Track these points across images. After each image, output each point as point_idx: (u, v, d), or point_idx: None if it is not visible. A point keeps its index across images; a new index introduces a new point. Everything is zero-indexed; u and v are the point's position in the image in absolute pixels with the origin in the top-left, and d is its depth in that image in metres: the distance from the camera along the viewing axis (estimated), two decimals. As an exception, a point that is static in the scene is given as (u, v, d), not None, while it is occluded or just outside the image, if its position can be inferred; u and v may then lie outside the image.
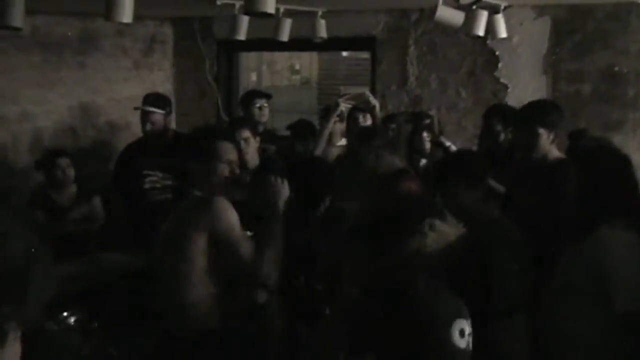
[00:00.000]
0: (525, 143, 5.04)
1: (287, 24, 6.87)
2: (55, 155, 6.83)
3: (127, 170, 6.73)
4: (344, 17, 7.90)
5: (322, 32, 7.13)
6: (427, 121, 6.53)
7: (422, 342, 1.96)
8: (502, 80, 7.64)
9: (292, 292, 4.76)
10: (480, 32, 6.03)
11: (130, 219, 6.78)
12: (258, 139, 6.07)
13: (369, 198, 5.02)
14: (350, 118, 6.85)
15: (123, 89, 8.58)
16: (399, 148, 6.41)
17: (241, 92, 9.25)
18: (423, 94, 8.02)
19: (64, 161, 6.78)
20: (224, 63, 9.33)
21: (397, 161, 5.57)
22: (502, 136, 6.02)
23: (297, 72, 15.60)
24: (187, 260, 4.20)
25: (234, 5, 6.38)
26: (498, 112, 6.23)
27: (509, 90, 7.60)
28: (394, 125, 6.79)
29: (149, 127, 6.59)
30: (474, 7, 5.95)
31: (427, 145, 6.54)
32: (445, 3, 5.90)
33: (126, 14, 4.92)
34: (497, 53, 7.62)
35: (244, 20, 6.49)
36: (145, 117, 6.62)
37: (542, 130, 4.93)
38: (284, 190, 4.38)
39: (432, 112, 6.74)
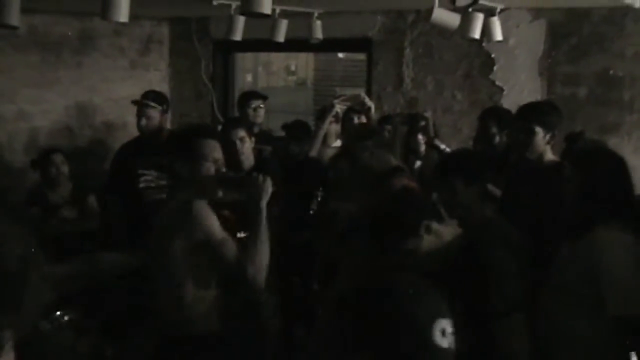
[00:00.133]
0: (521, 140, 5.04)
1: (283, 25, 6.88)
2: (49, 153, 6.85)
3: (123, 170, 6.73)
4: (340, 19, 7.90)
5: (318, 33, 7.14)
6: (423, 123, 6.54)
7: (404, 343, 1.96)
8: (497, 82, 7.65)
9: (289, 292, 4.77)
10: (476, 34, 6.03)
11: (125, 219, 6.78)
12: (253, 139, 6.07)
13: (365, 197, 5.03)
14: (346, 119, 6.86)
15: (120, 89, 8.58)
16: (394, 149, 6.44)
17: (237, 92, 9.26)
18: (419, 96, 8.03)
19: (57, 157, 6.79)
20: (220, 63, 9.34)
21: (392, 159, 5.58)
22: (497, 138, 6.03)
23: (293, 73, 15.62)
24: (176, 263, 4.14)
25: (230, 5, 6.39)
26: (493, 115, 6.23)
27: (504, 92, 7.61)
28: (389, 127, 6.80)
29: (144, 122, 6.59)
30: (470, 9, 5.96)
31: (423, 147, 6.55)
32: (441, 5, 5.90)
33: (122, 13, 4.92)
34: (493, 56, 7.63)
35: (240, 21, 6.50)
36: (141, 111, 6.62)
37: (538, 129, 4.94)
38: (266, 188, 4.21)
39: (428, 114, 6.75)
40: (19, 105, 7.51)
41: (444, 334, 1.97)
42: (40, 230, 6.21)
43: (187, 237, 4.07)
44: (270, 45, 7.14)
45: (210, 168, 4.25)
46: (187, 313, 4.19)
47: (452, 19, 6.02)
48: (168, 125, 7.11)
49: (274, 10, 6.29)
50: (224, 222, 4.28)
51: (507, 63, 7.61)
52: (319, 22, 7.11)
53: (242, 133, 5.90)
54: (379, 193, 4.82)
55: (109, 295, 5.47)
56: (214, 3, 6.26)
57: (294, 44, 7.41)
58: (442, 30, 6.96)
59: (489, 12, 6.24)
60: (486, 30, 6.22)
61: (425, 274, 3.84)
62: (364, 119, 6.70)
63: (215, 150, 4.31)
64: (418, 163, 6.49)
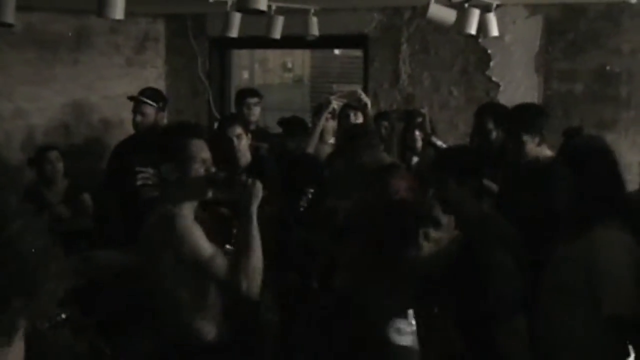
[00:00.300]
0: (513, 149, 5.06)
1: (279, 22, 6.87)
2: (44, 150, 6.85)
3: (120, 167, 6.73)
4: (337, 15, 7.90)
5: (315, 29, 7.13)
6: (419, 119, 6.54)
7: (360, 341, 1.97)
8: (494, 78, 7.65)
9: (287, 291, 4.77)
10: (473, 30, 6.04)
11: (123, 216, 6.78)
12: (250, 136, 6.07)
13: (362, 195, 5.04)
14: (342, 116, 6.86)
15: (116, 86, 8.57)
16: (391, 145, 6.44)
17: (233, 89, 9.27)
18: (415, 92, 8.03)
19: (53, 154, 6.80)
20: (216, 60, 9.33)
21: (386, 157, 5.59)
22: (494, 134, 6.02)
23: (290, 70, 15.61)
24: (166, 274, 4.01)
25: (226, 2, 6.38)
26: (490, 111, 6.23)
27: (501, 88, 7.62)
28: (386, 123, 6.81)
29: (139, 118, 6.59)
30: (466, 5, 5.96)
31: (419, 143, 6.56)
32: (438, 1, 5.91)
33: (118, 11, 4.92)
34: (489, 51, 7.63)
35: (237, 18, 6.49)
36: (137, 108, 6.62)
37: (526, 137, 4.95)
38: (256, 192, 3.90)
39: (424, 110, 6.74)
40: (16, 102, 7.51)
41: (400, 332, 1.97)
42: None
43: (174, 253, 3.88)
44: (267, 42, 7.13)
45: (198, 169, 4.00)
46: (183, 318, 4.08)
47: (448, 15, 6.03)
48: (165, 122, 7.09)
49: (269, 7, 6.28)
50: (220, 220, 4.23)
51: (504, 59, 7.61)
52: (315, 19, 7.10)
53: (238, 130, 5.90)
54: (375, 191, 4.83)
55: (107, 294, 5.46)
56: (210, 0, 6.25)
57: (290, 41, 7.40)
58: (438, 27, 6.95)
59: (485, 8, 6.24)
60: (482, 26, 6.22)
61: (426, 278, 3.87)
62: (360, 116, 6.70)
63: (202, 150, 4.06)
64: (415, 159, 6.49)
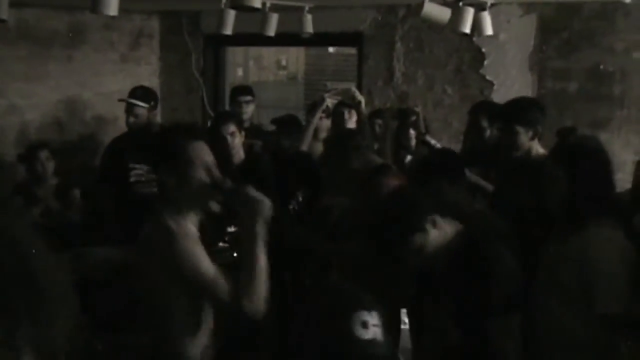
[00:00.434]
0: (506, 141, 5.06)
1: (274, 19, 6.86)
2: (35, 148, 6.84)
3: (113, 164, 6.73)
4: (331, 13, 7.90)
5: (309, 27, 7.13)
6: (413, 118, 6.55)
7: (324, 335, 1.95)
8: (488, 77, 7.66)
9: (282, 289, 4.76)
10: (467, 29, 6.04)
11: (116, 212, 6.78)
12: (243, 133, 6.07)
13: (354, 197, 5.05)
14: (336, 113, 6.86)
15: (110, 83, 8.56)
16: (385, 143, 6.44)
17: (227, 87, 9.26)
18: (409, 90, 8.03)
19: (43, 154, 6.78)
20: (210, 58, 9.32)
21: (376, 158, 5.59)
22: (488, 132, 6.03)
23: (284, 67, 15.62)
24: (162, 288, 3.71)
25: (221, -1, 6.38)
26: (484, 109, 6.24)
27: (495, 87, 7.62)
28: (380, 121, 6.82)
29: (131, 119, 6.62)
30: (461, 4, 5.96)
31: (413, 142, 6.57)
32: (432, 0, 5.91)
33: (112, 7, 4.91)
34: (483, 50, 7.64)
35: (231, 15, 6.48)
36: (128, 109, 6.64)
37: (520, 129, 4.94)
38: (261, 209, 3.54)
39: (418, 109, 6.75)
40: (9, 99, 7.49)
41: (365, 326, 1.95)
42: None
43: (172, 272, 3.56)
44: (261, 40, 7.12)
45: (200, 173, 3.67)
46: (171, 339, 3.76)
47: (442, 14, 6.03)
48: (159, 120, 7.09)
49: (264, 4, 6.28)
50: (212, 217, 4.09)
51: (498, 58, 7.62)
52: (309, 16, 7.10)
53: (232, 128, 5.90)
54: (368, 192, 4.84)
55: (101, 291, 5.46)
56: (205, -3, 6.26)
57: (285, 38, 7.39)
58: (432, 25, 6.96)
59: (480, 7, 6.24)
60: (477, 24, 6.23)
61: (429, 270, 3.87)
62: (354, 114, 6.70)
63: (204, 153, 3.73)
64: (409, 158, 6.49)
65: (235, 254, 4.48)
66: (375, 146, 6.46)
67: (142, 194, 6.54)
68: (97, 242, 6.35)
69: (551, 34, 7.37)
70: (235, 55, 10.99)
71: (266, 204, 3.54)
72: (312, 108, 6.85)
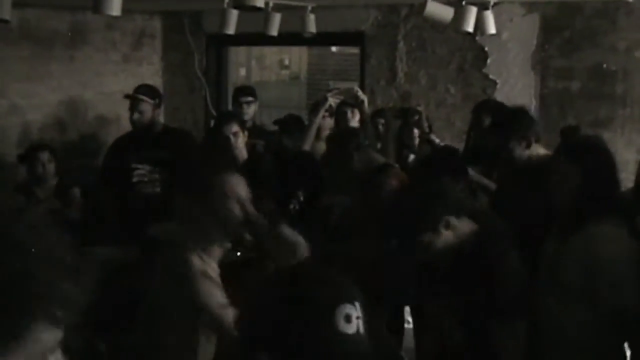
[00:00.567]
0: (504, 157, 5.04)
1: (276, 19, 6.86)
2: (36, 150, 6.83)
3: (116, 164, 6.72)
4: (334, 12, 7.90)
5: (312, 27, 7.13)
6: (416, 117, 6.55)
7: (307, 330, 1.92)
8: (491, 76, 7.66)
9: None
10: (470, 28, 6.03)
11: (118, 212, 6.78)
12: (246, 133, 6.07)
13: (356, 196, 5.04)
14: (339, 113, 6.85)
15: (112, 83, 8.55)
16: (388, 143, 6.44)
17: (230, 86, 9.26)
18: (412, 90, 8.03)
19: (44, 155, 6.76)
20: (213, 57, 9.32)
21: (378, 157, 5.59)
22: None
23: (287, 67, 15.61)
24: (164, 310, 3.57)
25: (223, -1, 6.38)
26: (487, 108, 6.24)
27: (497, 86, 7.62)
28: (382, 121, 6.81)
29: (136, 115, 6.54)
30: (463, 3, 5.96)
31: (417, 141, 6.56)
32: (435, -1, 5.92)
33: (114, 7, 4.90)
34: (486, 49, 7.63)
35: (234, 15, 6.48)
36: (134, 105, 6.56)
37: (514, 143, 4.93)
38: (299, 247, 3.46)
39: (421, 108, 6.74)
40: (11, 99, 7.49)
41: (348, 319, 1.92)
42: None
43: (182, 301, 3.43)
44: (264, 39, 7.12)
45: (235, 208, 3.49)
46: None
47: (445, 13, 6.03)
48: (161, 119, 7.08)
49: (267, 3, 6.28)
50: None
51: (500, 57, 7.61)
52: (312, 16, 7.10)
53: (235, 128, 5.89)
54: (369, 192, 4.83)
55: (102, 290, 5.45)
56: (207, -4, 6.25)
57: (287, 38, 7.39)
58: (435, 24, 6.97)
59: (482, 6, 6.23)
60: (479, 23, 6.22)
61: (435, 268, 3.86)
62: (357, 113, 6.69)
63: (240, 187, 3.55)
64: (412, 157, 6.49)
65: (238, 253, 4.46)
66: (378, 145, 6.46)
67: (145, 193, 6.54)
68: (98, 241, 6.36)
69: (553, 33, 7.37)
70: (237, 54, 10.98)
71: (301, 245, 3.47)
72: (314, 108, 6.84)
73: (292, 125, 6.92)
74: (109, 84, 8.54)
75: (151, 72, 9.22)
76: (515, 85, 7.52)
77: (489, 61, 7.65)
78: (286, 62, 15.56)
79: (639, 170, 4.47)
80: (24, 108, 7.64)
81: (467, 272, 3.64)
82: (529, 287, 3.83)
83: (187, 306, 3.43)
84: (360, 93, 6.72)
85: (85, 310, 1.78)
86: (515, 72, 7.56)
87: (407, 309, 5.76)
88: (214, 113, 8.92)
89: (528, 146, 4.93)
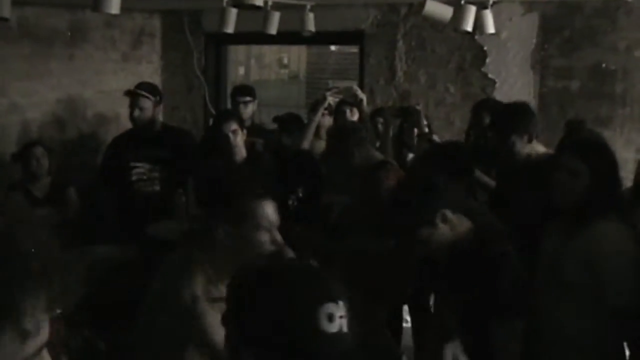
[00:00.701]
0: (504, 151, 5.04)
1: (275, 17, 6.86)
2: (30, 145, 6.84)
3: (115, 162, 6.72)
4: (333, 11, 7.90)
5: (311, 25, 7.12)
6: (415, 116, 6.55)
7: (290, 330, 1.92)
8: (490, 75, 7.66)
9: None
10: (469, 27, 6.04)
11: (117, 211, 6.78)
12: (245, 132, 6.07)
13: (355, 193, 5.04)
14: (338, 112, 6.86)
15: (111, 82, 8.55)
16: (387, 142, 6.44)
17: (229, 85, 9.26)
18: (411, 89, 8.03)
19: (38, 150, 6.78)
20: (212, 56, 9.32)
21: (377, 154, 5.59)
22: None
23: (286, 66, 15.62)
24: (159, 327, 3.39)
25: (222, -3, 6.38)
26: (487, 106, 6.25)
27: (497, 85, 7.62)
28: (381, 120, 6.81)
29: (137, 112, 6.51)
30: (462, 2, 5.96)
31: (416, 140, 6.56)
32: (434, -2, 5.92)
33: (113, 6, 4.90)
34: (485, 48, 7.63)
35: (233, 13, 6.48)
36: (134, 102, 6.53)
37: (515, 137, 4.93)
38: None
39: (419, 107, 6.75)
40: (11, 97, 7.48)
41: (331, 318, 1.92)
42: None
43: (181, 329, 3.25)
44: (263, 38, 7.12)
45: (264, 237, 3.30)
46: None
47: (444, 12, 6.03)
48: (160, 118, 7.08)
49: (266, 2, 6.28)
50: None
51: (500, 56, 7.61)
52: (311, 15, 7.09)
53: (234, 126, 5.89)
54: (368, 189, 4.84)
55: (101, 289, 5.45)
56: (206, -5, 6.25)
57: (287, 37, 7.38)
58: (434, 23, 6.97)
59: (482, 5, 6.23)
60: (478, 23, 6.22)
61: (433, 265, 3.86)
62: (356, 112, 6.70)
63: (272, 214, 3.35)
64: (410, 156, 6.49)
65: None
66: (377, 144, 6.46)
67: (144, 192, 6.55)
68: (98, 240, 6.36)
69: (553, 32, 7.37)
70: (236, 53, 10.99)
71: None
72: (314, 106, 6.84)
73: (292, 124, 6.93)
74: (109, 82, 8.54)
75: (150, 71, 9.22)
76: (515, 85, 7.52)
77: (488, 60, 7.65)
78: (285, 60, 15.57)
79: (638, 169, 4.48)
80: (23, 106, 7.64)
81: (464, 271, 3.64)
82: (528, 286, 3.83)
83: (186, 333, 3.27)
84: (359, 92, 6.73)
85: (78, 306, 1.80)
86: (515, 72, 7.56)
87: (405, 307, 5.77)
88: (213, 112, 8.92)
89: (529, 140, 4.94)
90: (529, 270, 3.85)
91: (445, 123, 7.73)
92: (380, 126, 6.77)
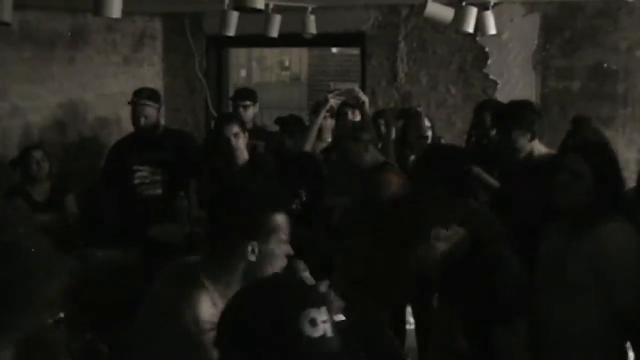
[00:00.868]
0: (506, 147, 5.04)
1: (276, 20, 6.86)
2: (29, 149, 6.84)
3: (117, 166, 6.72)
4: (334, 13, 7.90)
5: (312, 28, 7.12)
6: (417, 118, 6.56)
7: (274, 337, 1.92)
8: (491, 76, 7.66)
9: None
10: (470, 28, 6.03)
11: (119, 214, 6.78)
12: (247, 134, 6.07)
13: (356, 194, 5.03)
14: (340, 114, 6.86)
15: (113, 85, 8.56)
16: (388, 143, 6.44)
17: (231, 88, 9.27)
18: (413, 90, 8.03)
19: (38, 153, 6.78)
20: (213, 59, 9.32)
21: (379, 155, 5.58)
22: (493, 131, 6.02)
23: (287, 68, 15.62)
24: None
25: (223, 0, 6.37)
26: (489, 107, 6.25)
27: (498, 86, 7.62)
28: (383, 121, 6.81)
29: (143, 121, 6.52)
30: (464, 3, 5.96)
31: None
32: (435, -1, 5.91)
33: (115, 9, 4.90)
34: (486, 49, 7.63)
35: (234, 16, 6.48)
36: (141, 110, 6.53)
37: (518, 133, 4.92)
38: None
39: (420, 109, 6.75)
40: (12, 101, 7.49)
41: (314, 323, 1.92)
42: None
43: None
44: (264, 41, 7.13)
45: (282, 250, 3.11)
46: None
47: (445, 13, 6.03)
48: (162, 121, 7.08)
49: (267, 5, 6.28)
50: None
51: (501, 57, 7.61)
52: (312, 17, 7.09)
53: (235, 129, 5.90)
54: (370, 191, 4.83)
55: (103, 292, 5.46)
56: (207, -2, 6.25)
57: (288, 39, 7.39)
58: (435, 25, 6.97)
59: (483, 6, 6.23)
60: (480, 24, 6.22)
61: (430, 278, 3.86)
62: (358, 114, 6.70)
63: (287, 226, 3.16)
64: (412, 157, 6.49)
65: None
66: (379, 146, 6.46)
67: (146, 195, 6.55)
68: (100, 243, 6.36)
69: (554, 33, 7.37)
70: (238, 56, 11.00)
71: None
72: (315, 108, 6.84)
73: (293, 126, 6.93)
74: (110, 85, 8.55)
75: (152, 74, 9.22)
76: (516, 85, 7.52)
77: (489, 61, 7.65)
78: (286, 63, 15.57)
79: (640, 169, 4.48)
80: (25, 110, 7.64)
81: (463, 278, 3.64)
82: (528, 287, 3.82)
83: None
84: (361, 94, 6.72)
85: (80, 309, 1.81)
86: (516, 72, 7.56)
87: (409, 309, 5.76)
88: (215, 114, 8.93)
89: (532, 138, 4.93)
90: (529, 271, 3.85)
91: (447, 124, 7.72)
92: (382, 128, 6.77)
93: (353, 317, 2.43)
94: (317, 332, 1.91)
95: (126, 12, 5.06)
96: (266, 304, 1.95)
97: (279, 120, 7.14)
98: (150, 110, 6.55)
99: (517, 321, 3.72)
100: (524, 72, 7.53)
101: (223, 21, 6.54)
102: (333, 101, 6.75)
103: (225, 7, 6.41)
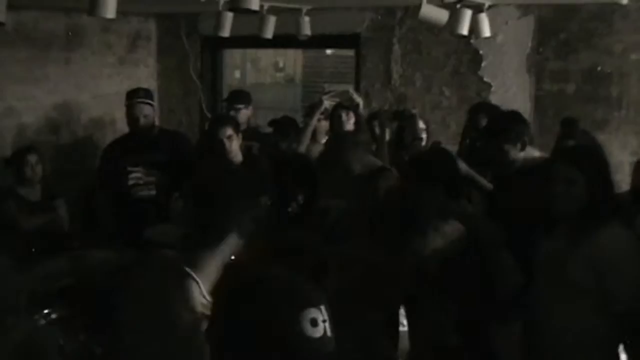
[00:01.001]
0: (498, 160, 5.05)
1: (271, 21, 6.86)
2: (24, 152, 6.83)
3: (111, 167, 6.70)
4: (329, 15, 7.89)
5: (307, 29, 7.13)
6: (411, 120, 6.56)
7: (275, 337, 1.92)
8: (486, 79, 7.66)
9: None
10: (464, 31, 6.04)
11: (114, 215, 6.76)
12: (240, 136, 6.06)
13: (352, 198, 5.03)
14: (334, 116, 6.86)
15: (107, 85, 8.56)
16: (382, 145, 6.44)
17: (225, 89, 9.27)
18: (407, 92, 8.03)
19: (33, 158, 6.78)
20: (208, 60, 9.32)
21: (375, 160, 5.59)
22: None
23: (282, 69, 15.58)
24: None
25: (218, 2, 6.37)
26: (483, 109, 6.26)
27: (492, 89, 7.62)
28: (377, 123, 6.81)
29: (142, 120, 6.49)
30: (458, 5, 5.96)
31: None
32: (430, 1, 5.91)
33: (109, 10, 4.90)
34: (481, 52, 7.64)
35: (229, 17, 6.48)
36: (140, 109, 6.50)
37: (508, 146, 4.93)
38: None
39: (415, 111, 6.75)
40: (7, 101, 7.49)
41: (314, 323, 1.92)
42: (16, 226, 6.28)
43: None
44: (259, 42, 7.13)
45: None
46: None
47: (440, 15, 6.03)
48: (157, 122, 7.07)
49: (262, 6, 6.27)
50: None
51: (496, 59, 7.62)
52: (307, 19, 7.09)
53: (229, 131, 5.89)
54: (366, 194, 4.84)
55: (98, 293, 5.45)
56: (202, -1, 6.25)
57: (282, 40, 7.39)
58: (430, 27, 6.97)
59: (477, 9, 6.23)
60: (474, 26, 6.22)
61: (426, 273, 3.86)
62: (352, 116, 6.70)
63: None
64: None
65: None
66: (373, 148, 6.46)
67: (140, 196, 6.53)
68: (94, 244, 6.35)
69: (549, 36, 7.38)
70: (232, 57, 10.97)
71: None
72: (310, 110, 6.85)
73: (287, 127, 6.92)
74: (105, 86, 8.55)
75: (146, 75, 9.22)
76: (511, 88, 7.52)
77: (484, 64, 7.66)
78: (281, 64, 15.52)
79: (635, 171, 4.49)
80: (19, 110, 7.65)
81: (459, 275, 3.64)
82: (525, 287, 3.83)
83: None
84: (355, 95, 6.73)
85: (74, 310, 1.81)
86: (511, 75, 7.57)
87: (401, 312, 5.76)
88: (209, 115, 8.92)
89: (522, 148, 4.94)
90: (525, 272, 3.86)
91: (441, 127, 7.72)
92: (376, 130, 6.77)
93: (348, 319, 2.42)
94: (317, 332, 1.90)
95: (121, 12, 5.06)
96: (266, 304, 1.95)
97: (272, 123, 7.14)
98: (149, 109, 6.53)
99: (511, 320, 3.74)
100: (518, 74, 7.54)
101: (218, 22, 6.54)
102: (327, 103, 6.75)
103: (220, 8, 6.41)
